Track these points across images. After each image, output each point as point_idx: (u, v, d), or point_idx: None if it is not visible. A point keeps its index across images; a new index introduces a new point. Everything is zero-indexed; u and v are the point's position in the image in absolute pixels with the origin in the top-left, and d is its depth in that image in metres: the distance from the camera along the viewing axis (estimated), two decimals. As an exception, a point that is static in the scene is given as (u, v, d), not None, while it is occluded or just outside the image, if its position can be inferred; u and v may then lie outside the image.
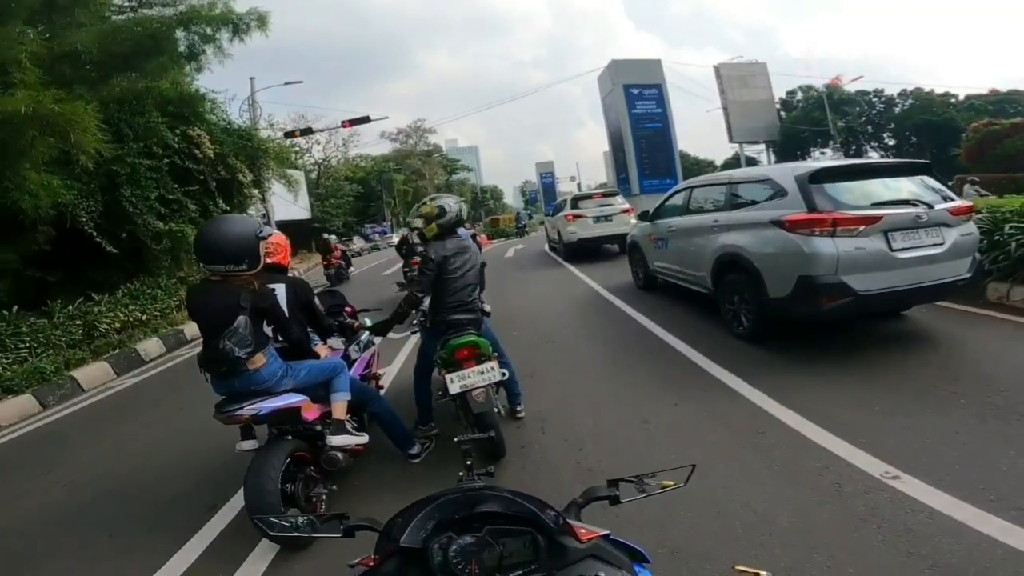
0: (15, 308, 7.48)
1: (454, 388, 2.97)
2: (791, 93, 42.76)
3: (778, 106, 40.72)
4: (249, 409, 2.49)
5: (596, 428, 3.44)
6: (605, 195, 13.03)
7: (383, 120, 28.60)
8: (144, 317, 8.64)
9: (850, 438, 2.86)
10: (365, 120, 23.16)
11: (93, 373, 6.83)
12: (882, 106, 40.43)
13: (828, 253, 3.88)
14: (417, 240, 8.96)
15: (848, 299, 3.86)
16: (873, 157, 38.88)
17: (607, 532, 0.97)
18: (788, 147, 39.35)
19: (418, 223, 3.33)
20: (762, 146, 39.85)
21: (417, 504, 0.97)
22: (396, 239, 32.28)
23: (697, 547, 2.18)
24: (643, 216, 7.41)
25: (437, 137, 58.71)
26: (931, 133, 36.30)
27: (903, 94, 39.53)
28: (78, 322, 7.67)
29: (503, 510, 0.93)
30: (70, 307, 7.96)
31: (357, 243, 34.08)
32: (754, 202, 4.82)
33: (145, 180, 9.24)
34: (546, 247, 16.15)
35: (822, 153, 40.38)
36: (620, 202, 12.47)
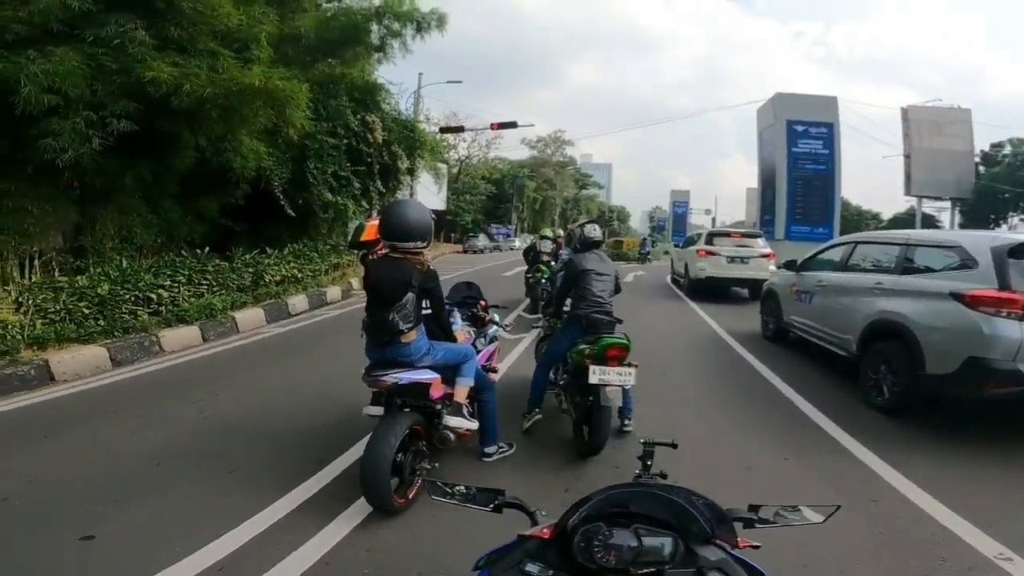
0: (206, 249, 8.77)
1: (594, 379, 3.22)
2: (996, 146, 35.99)
3: (977, 159, 34.53)
4: (393, 377, 2.72)
5: (696, 465, 3.28)
6: (745, 235, 12.21)
7: (528, 127, 29.79)
8: (299, 275, 9.73)
9: (972, 518, 2.69)
10: (512, 125, 24.30)
11: (250, 317, 7.44)
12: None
13: (1011, 337, 3.48)
14: (545, 250, 9.31)
15: (1021, 388, 3.43)
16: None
17: (759, 545, 1.04)
18: (980, 208, 33.10)
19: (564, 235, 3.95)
20: (944, 203, 33.99)
21: (594, 493, 1.05)
22: (519, 243, 33.12)
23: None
24: (789, 265, 6.88)
25: (573, 150, 59.45)
26: None
27: None
28: (250, 270, 8.70)
29: (654, 513, 1.00)
30: (247, 256, 9.18)
31: (482, 241, 35.69)
32: (931, 269, 4.34)
33: (327, 156, 10.65)
34: (668, 278, 15.56)
35: (1022, 220, 33.72)
36: (761, 245, 11.61)
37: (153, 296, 6.68)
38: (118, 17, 6.48)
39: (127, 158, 7.38)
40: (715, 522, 1.01)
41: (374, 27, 11.09)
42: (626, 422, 3.77)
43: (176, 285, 7.18)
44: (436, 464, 3.04)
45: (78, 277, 6.70)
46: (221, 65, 7.01)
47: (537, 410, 3.81)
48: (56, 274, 6.96)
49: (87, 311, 5.94)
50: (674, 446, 1.75)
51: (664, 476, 1.45)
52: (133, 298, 6.45)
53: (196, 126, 7.85)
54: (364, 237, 3.19)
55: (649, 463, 1.51)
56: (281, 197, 10.02)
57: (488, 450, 3.29)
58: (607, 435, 3.35)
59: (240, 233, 10.27)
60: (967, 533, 2.57)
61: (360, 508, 2.69)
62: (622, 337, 3.47)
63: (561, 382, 3.93)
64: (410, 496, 2.69)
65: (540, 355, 3.97)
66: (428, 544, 2.43)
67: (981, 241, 3.98)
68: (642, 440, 1.59)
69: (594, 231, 3.89)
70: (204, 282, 7.65)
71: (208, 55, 7.12)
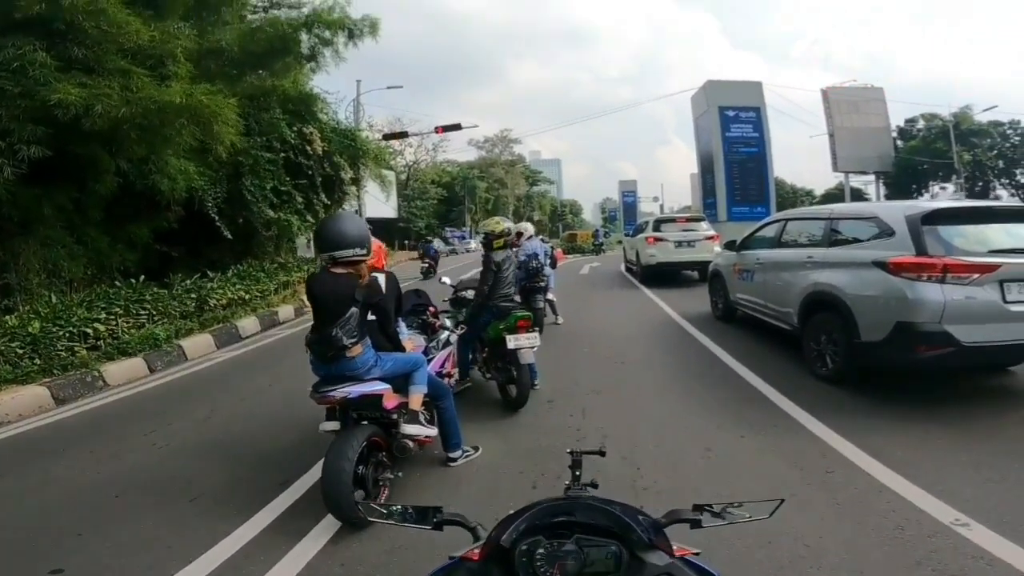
0: (141, 277, 8.27)
1: (511, 344, 4.04)
2: (911, 121, 38.74)
3: (895, 135, 37.20)
4: (341, 392, 2.71)
5: (657, 450, 3.41)
6: (690, 220, 12.66)
7: (473, 128, 29.77)
8: (247, 296, 9.36)
9: (926, 485, 2.75)
10: (456, 127, 24.14)
11: (198, 344, 7.24)
12: (1017, 139, 35.66)
13: (933, 300, 3.64)
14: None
15: (950, 349, 3.61)
16: (1001, 196, 34.62)
17: (698, 551, 1.02)
18: (902, 180, 35.63)
19: (491, 234, 4.58)
20: (870, 177, 36.52)
21: (523, 509, 1.02)
22: (474, 245, 32.92)
23: (738, 573, 2.14)
24: (729, 245, 7.17)
25: (521, 148, 59.80)
26: (1073, 171, 31.71)
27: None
28: (192, 295, 8.31)
29: (594, 521, 0.98)
30: (187, 281, 8.74)
31: (437, 246, 35.22)
32: (856, 240, 4.59)
33: (264, 172, 10.26)
34: (622, 267, 15.95)
35: (941, 188, 36.41)
36: (705, 228, 12.05)
37: (89, 331, 6.33)
38: (14, 40, 6.14)
39: (43, 186, 6.93)
40: (651, 530, 0.98)
41: (303, 37, 10.71)
42: (535, 383, 4.60)
43: (113, 317, 6.81)
44: (400, 473, 3.03)
45: (6, 317, 6.30)
46: (135, 84, 6.68)
47: (468, 378, 4.62)
48: (-18, 316, 6.46)
49: (20, 351, 5.63)
50: (602, 454, 1.62)
51: (595, 486, 1.36)
52: (68, 334, 6.11)
53: (115, 148, 7.41)
54: None
55: (578, 473, 1.40)
56: (216, 218, 9.58)
57: (453, 455, 3.30)
58: (528, 389, 4.20)
59: (178, 258, 9.77)
60: (922, 500, 2.61)
61: (330, 524, 2.67)
62: (525, 311, 4.41)
63: (483, 357, 4.65)
64: None
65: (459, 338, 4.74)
66: (401, 554, 2.42)
67: (896, 210, 4.20)
68: (569, 451, 1.46)
69: (511, 231, 4.82)
70: (143, 312, 7.30)
71: (119, 74, 6.75)
